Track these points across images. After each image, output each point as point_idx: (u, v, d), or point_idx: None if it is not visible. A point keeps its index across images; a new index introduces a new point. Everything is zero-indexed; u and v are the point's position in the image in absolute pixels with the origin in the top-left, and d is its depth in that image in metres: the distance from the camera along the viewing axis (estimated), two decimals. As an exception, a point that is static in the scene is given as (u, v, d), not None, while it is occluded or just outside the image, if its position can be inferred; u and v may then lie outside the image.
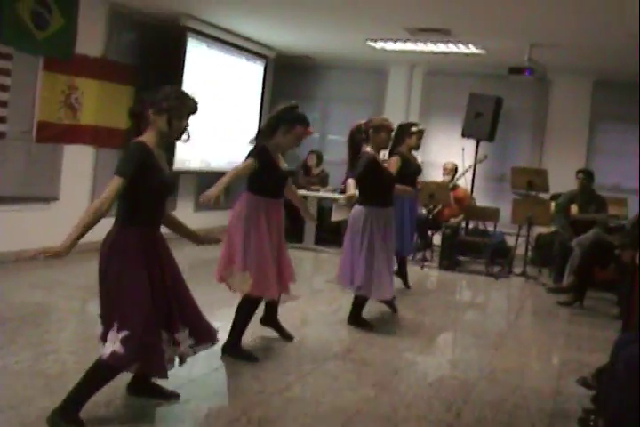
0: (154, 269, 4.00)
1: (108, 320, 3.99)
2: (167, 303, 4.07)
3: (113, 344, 3.85)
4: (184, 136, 4.18)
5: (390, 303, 7.36)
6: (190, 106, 4.12)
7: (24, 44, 8.06)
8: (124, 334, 3.83)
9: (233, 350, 5.50)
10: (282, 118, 5.50)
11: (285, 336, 6.07)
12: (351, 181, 6.60)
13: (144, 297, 3.91)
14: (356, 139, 6.52)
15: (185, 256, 9.32)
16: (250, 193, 5.46)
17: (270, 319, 6.07)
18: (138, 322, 3.87)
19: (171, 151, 10.17)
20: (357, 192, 6.68)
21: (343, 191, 11.10)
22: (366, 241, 6.47)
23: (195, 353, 4.37)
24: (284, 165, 5.62)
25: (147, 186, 3.93)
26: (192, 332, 4.26)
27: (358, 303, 6.77)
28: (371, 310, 7.10)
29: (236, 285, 5.39)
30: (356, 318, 6.78)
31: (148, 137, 4.02)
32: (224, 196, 5.15)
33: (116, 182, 3.82)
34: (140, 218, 4.00)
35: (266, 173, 5.39)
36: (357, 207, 6.64)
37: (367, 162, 6.43)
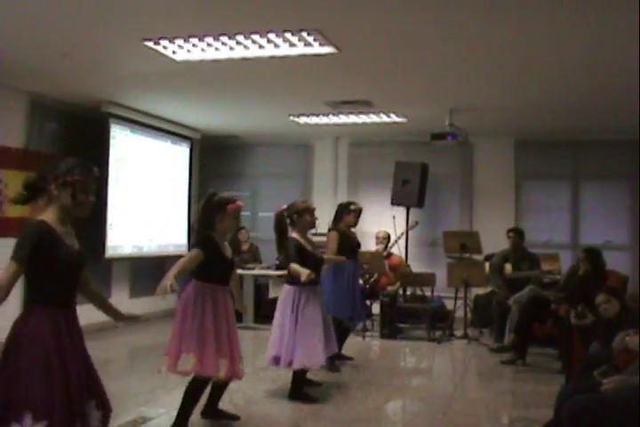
0: (66, 349, 3.68)
1: (9, 409, 3.54)
2: (80, 376, 3.75)
3: None
4: (88, 211, 3.89)
5: (331, 362, 7.77)
6: (96, 177, 3.89)
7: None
8: (44, 423, 3.48)
9: None
10: (210, 208, 5.60)
11: (230, 417, 5.96)
12: (294, 265, 6.65)
13: (58, 384, 3.57)
14: (282, 224, 6.77)
15: (123, 344, 9.25)
16: (196, 280, 5.53)
17: (210, 410, 5.94)
18: (55, 411, 3.54)
19: (101, 238, 10.11)
20: (289, 271, 6.80)
21: (278, 267, 11.20)
22: (294, 316, 6.60)
23: None
24: (228, 252, 5.72)
25: (49, 264, 3.69)
26: (97, 404, 3.88)
27: (297, 377, 6.77)
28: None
29: (180, 366, 5.34)
30: (297, 393, 6.75)
31: (49, 214, 3.77)
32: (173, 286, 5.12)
33: (11, 268, 3.59)
34: (47, 297, 3.71)
35: (212, 261, 5.47)
36: (286, 287, 6.83)
37: (294, 247, 6.71)
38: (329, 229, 8.38)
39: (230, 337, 5.56)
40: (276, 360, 6.68)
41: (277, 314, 6.76)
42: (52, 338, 3.65)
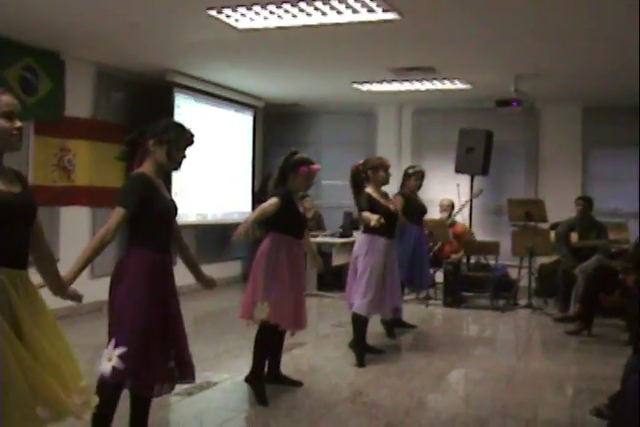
0: (158, 294, 4.06)
1: (108, 338, 4.03)
2: (165, 330, 4.10)
3: (109, 361, 3.90)
4: (180, 167, 4.29)
5: (389, 327, 7.90)
6: (188, 138, 4.27)
7: (14, 110, 8.11)
8: (121, 350, 3.89)
9: (254, 381, 5.69)
10: (286, 166, 5.77)
11: (293, 384, 6.03)
12: (365, 212, 6.75)
13: (145, 317, 3.97)
14: (358, 179, 6.90)
15: (189, 310, 9.35)
16: (273, 232, 5.68)
17: (273, 375, 6.04)
18: (136, 339, 3.93)
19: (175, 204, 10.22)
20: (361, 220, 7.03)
21: (342, 235, 11.24)
22: (367, 264, 6.74)
23: (172, 389, 4.31)
24: (301, 209, 5.92)
25: (150, 214, 4.05)
26: (177, 365, 4.22)
27: (355, 325, 6.90)
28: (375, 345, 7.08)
29: (256, 314, 5.52)
30: (357, 343, 6.92)
31: (147, 168, 4.15)
32: (253, 231, 5.49)
33: (118, 214, 3.98)
34: (146, 243, 4.07)
35: (288, 213, 5.64)
36: (361, 236, 7.02)
37: (367, 199, 6.79)
38: (396, 194, 8.44)
39: (299, 288, 5.78)
40: (351, 305, 6.88)
41: (352, 262, 6.96)
42: (146, 279, 4.02)
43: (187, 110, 10.75)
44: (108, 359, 3.90)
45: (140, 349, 3.93)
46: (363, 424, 5.16)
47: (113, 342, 3.94)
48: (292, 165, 5.74)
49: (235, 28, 7.41)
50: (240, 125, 12.40)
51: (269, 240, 5.66)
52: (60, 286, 3.56)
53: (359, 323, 6.88)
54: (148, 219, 4.05)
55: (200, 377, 6.17)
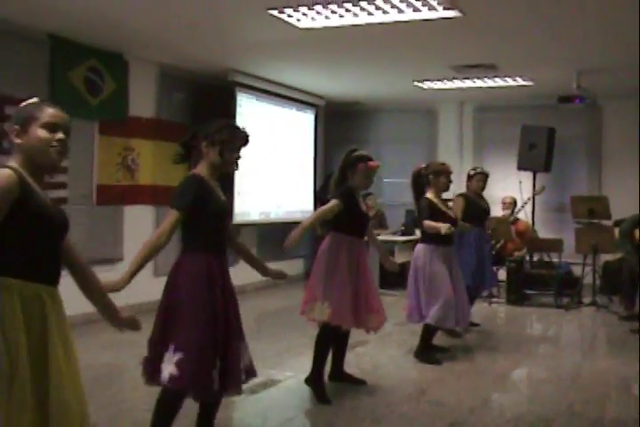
0: (215, 295, 4.00)
1: (162, 344, 3.94)
2: (225, 331, 4.04)
3: (168, 367, 3.86)
4: (234, 167, 4.25)
5: (455, 333, 7.75)
6: (242, 138, 4.20)
7: (79, 111, 8.28)
8: (178, 356, 3.85)
9: (315, 382, 5.68)
10: (345, 164, 5.75)
11: (357, 382, 6.05)
12: (428, 221, 6.73)
13: (203, 322, 3.92)
14: (419, 182, 6.92)
15: (251, 308, 9.43)
16: (334, 232, 5.67)
17: (337, 373, 6.07)
18: (194, 346, 3.87)
19: (230, 204, 10.32)
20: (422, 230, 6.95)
21: (404, 233, 11.24)
22: (428, 274, 6.70)
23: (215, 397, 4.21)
24: (364, 207, 5.87)
25: (205, 215, 4.02)
26: (221, 375, 4.06)
27: (425, 336, 6.90)
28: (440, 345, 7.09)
29: (316, 315, 5.52)
30: (422, 352, 6.88)
31: (201, 169, 4.13)
32: (314, 229, 5.41)
33: (172, 216, 3.95)
34: (202, 245, 4.05)
35: (349, 213, 5.60)
36: (419, 246, 6.92)
37: (427, 206, 6.78)
38: (457, 195, 8.41)
39: (364, 288, 5.68)
40: (410, 316, 6.87)
41: (411, 272, 6.87)
42: (203, 281, 3.98)
43: (248, 110, 10.82)
44: (168, 365, 3.86)
45: (197, 355, 3.87)
46: (427, 423, 5.14)
47: (172, 347, 3.89)
48: (351, 162, 5.72)
49: (296, 27, 7.45)
50: (301, 124, 12.46)
51: (329, 240, 5.66)
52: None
53: (428, 333, 6.91)
54: (201, 220, 4.03)
55: (263, 375, 6.25)
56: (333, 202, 5.57)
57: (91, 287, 3.26)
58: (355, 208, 5.67)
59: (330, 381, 5.98)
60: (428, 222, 6.67)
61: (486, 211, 8.69)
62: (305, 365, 5.82)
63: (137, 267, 3.83)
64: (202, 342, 3.90)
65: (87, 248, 8.43)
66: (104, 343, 7.33)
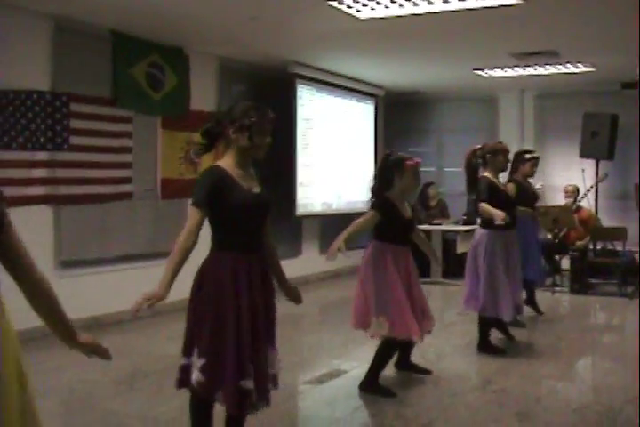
0: (243, 296, 3.70)
1: (191, 348, 3.75)
2: (254, 332, 3.75)
3: (194, 371, 3.68)
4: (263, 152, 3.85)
5: (505, 328, 7.31)
6: (271, 120, 3.82)
7: (142, 107, 8.43)
8: (202, 361, 3.65)
9: (369, 387, 5.54)
10: (387, 168, 5.53)
11: (423, 372, 6.05)
12: (484, 205, 6.55)
13: (227, 327, 3.66)
14: (473, 164, 6.67)
15: (314, 299, 9.49)
16: (376, 241, 5.52)
17: (404, 362, 6.07)
18: (215, 351, 3.65)
19: (292, 196, 10.39)
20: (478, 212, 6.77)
21: (466, 222, 11.16)
22: (487, 263, 6.56)
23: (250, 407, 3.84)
24: (407, 212, 5.60)
25: (227, 208, 3.72)
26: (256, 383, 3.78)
27: (483, 328, 6.83)
28: (503, 337, 7.11)
29: (373, 331, 5.42)
30: (484, 344, 6.82)
31: (227, 159, 3.82)
32: (347, 245, 5.19)
33: (192, 213, 3.72)
34: (227, 243, 3.78)
35: (390, 222, 5.44)
36: (479, 231, 6.78)
37: (487, 186, 6.59)
38: (507, 181, 7.95)
39: (416, 295, 5.52)
40: (467, 304, 6.78)
41: (469, 258, 6.76)
42: (229, 284, 3.70)
43: (309, 101, 10.88)
44: (194, 369, 3.69)
45: (220, 361, 3.64)
46: (493, 412, 5.14)
47: (196, 351, 3.70)
48: (396, 163, 5.48)
49: (356, 17, 7.47)
50: (362, 114, 12.48)
51: (372, 250, 5.50)
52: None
53: (483, 323, 6.84)
54: (223, 215, 3.75)
55: (330, 365, 6.33)
56: (370, 213, 5.45)
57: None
58: (395, 217, 5.47)
59: (396, 369, 6.00)
60: (484, 206, 6.49)
61: (537, 196, 8.50)
62: (370, 355, 5.80)
63: (173, 273, 3.58)
64: (220, 349, 3.66)
65: (151, 241, 8.57)
66: (170, 335, 7.41)
